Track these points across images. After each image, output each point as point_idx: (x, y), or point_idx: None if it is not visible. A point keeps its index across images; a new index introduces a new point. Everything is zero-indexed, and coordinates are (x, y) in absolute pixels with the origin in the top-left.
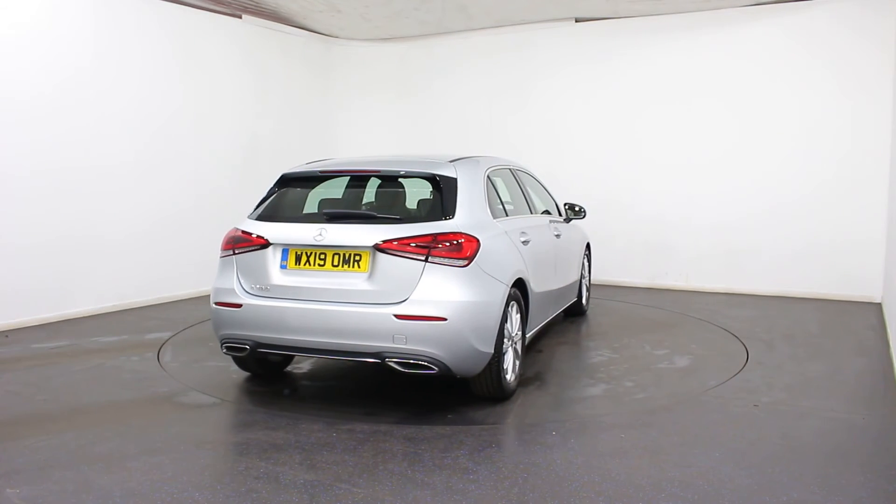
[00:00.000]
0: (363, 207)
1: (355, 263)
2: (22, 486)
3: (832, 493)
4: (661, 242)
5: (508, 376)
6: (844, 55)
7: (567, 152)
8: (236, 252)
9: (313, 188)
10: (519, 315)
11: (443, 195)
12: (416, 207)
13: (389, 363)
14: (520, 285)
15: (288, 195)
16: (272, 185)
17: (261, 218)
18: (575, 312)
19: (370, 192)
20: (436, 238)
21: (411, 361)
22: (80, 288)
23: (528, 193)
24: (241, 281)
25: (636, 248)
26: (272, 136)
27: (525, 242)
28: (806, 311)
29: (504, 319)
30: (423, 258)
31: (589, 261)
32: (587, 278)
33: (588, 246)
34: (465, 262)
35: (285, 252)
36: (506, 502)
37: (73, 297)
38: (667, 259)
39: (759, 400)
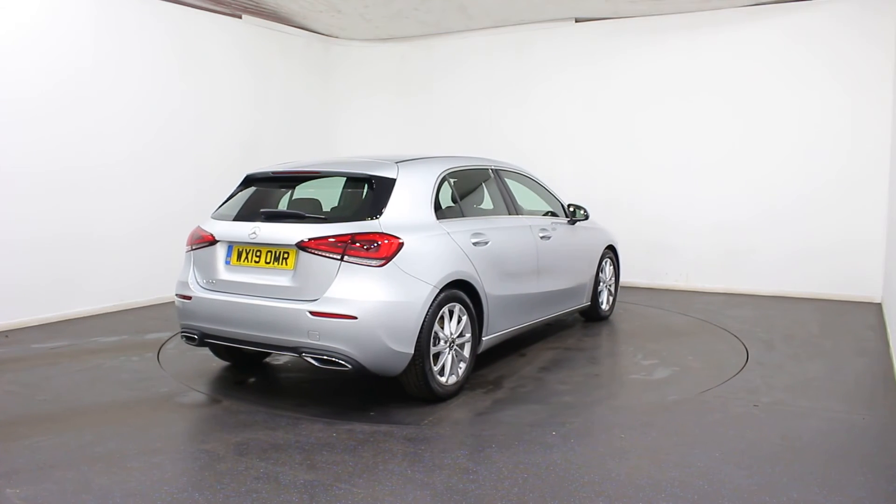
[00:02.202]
0: (300, 207)
1: (283, 261)
2: (22, 486)
3: (832, 493)
4: (661, 242)
5: (443, 378)
6: (844, 55)
7: (567, 152)
8: (193, 248)
9: (269, 188)
10: (467, 317)
11: (375, 195)
12: (346, 207)
13: (306, 358)
14: (465, 287)
15: (246, 195)
16: (237, 185)
17: (218, 217)
18: (592, 317)
19: (313, 192)
20: (353, 238)
21: (325, 357)
22: (79, 288)
23: (510, 195)
24: (196, 275)
25: (636, 248)
26: (272, 135)
27: (478, 244)
28: (806, 311)
29: (432, 320)
30: (339, 257)
31: (615, 264)
32: (608, 282)
33: (612, 248)
34: (381, 261)
35: (230, 249)
36: (506, 502)
37: (73, 297)
38: (667, 259)
39: (759, 400)
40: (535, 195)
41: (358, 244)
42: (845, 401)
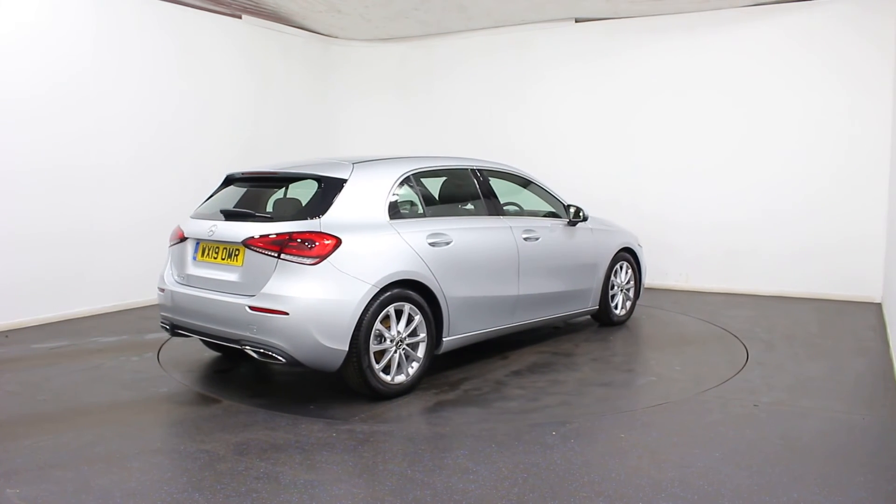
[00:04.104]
0: (258, 206)
1: (235, 257)
2: (22, 486)
3: (832, 493)
4: (661, 242)
5: (388, 377)
6: (844, 55)
7: (567, 152)
8: (172, 244)
9: (243, 188)
10: (420, 317)
11: (322, 195)
12: (295, 206)
13: (247, 350)
14: (419, 287)
15: (223, 194)
16: (218, 185)
17: (195, 215)
18: (604, 321)
19: (271, 192)
20: (291, 236)
21: (262, 351)
22: (79, 288)
23: (491, 195)
24: (172, 270)
25: None
26: (272, 135)
27: (436, 244)
28: (806, 311)
29: (373, 319)
30: (276, 255)
31: (634, 268)
32: (623, 285)
33: (630, 251)
34: (315, 260)
35: (196, 245)
36: (506, 502)
37: (73, 297)
38: (667, 259)
39: (759, 400)
40: (533, 196)
41: (294, 243)
42: (845, 401)
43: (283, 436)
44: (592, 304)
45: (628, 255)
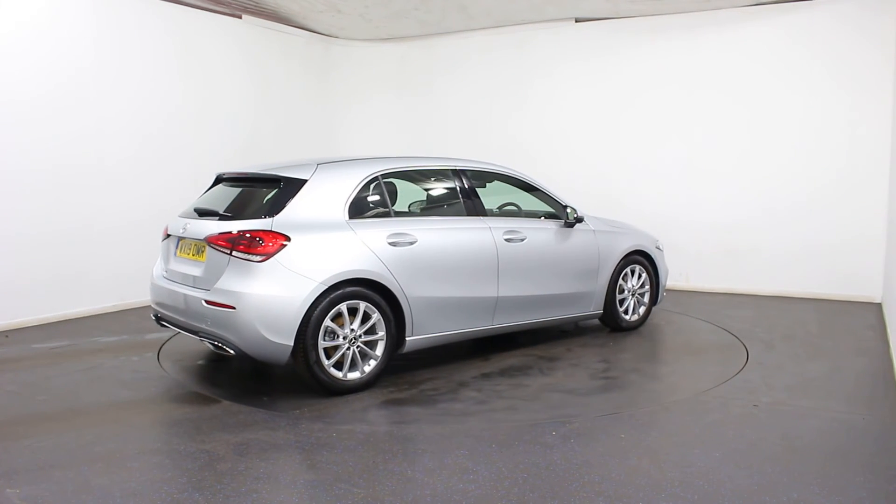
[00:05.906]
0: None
1: (201, 253)
2: (22, 486)
3: (832, 493)
4: (661, 242)
5: (339, 373)
6: (844, 55)
7: (567, 152)
8: (162, 240)
9: (228, 188)
10: (378, 316)
11: (280, 195)
12: (254, 206)
13: (204, 341)
14: (377, 287)
15: (210, 193)
16: (210, 184)
17: (181, 213)
18: (613, 326)
19: (243, 192)
20: (241, 234)
21: (216, 343)
22: (79, 288)
23: (473, 196)
24: (161, 264)
25: None
26: (272, 136)
27: (397, 244)
28: (806, 311)
29: (322, 316)
30: (229, 252)
31: (650, 271)
32: (634, 290)
33: (644, 253)
34: (262, 257)
35: (177, 242)
36: (506, 502)
37: (73, 297)
38: (667, 259)
39: (759, 400)
40: (531, 197)
41: (244, 240)
42: (845, 401)
43: (283, 436)
44: (595, 309)
45: (641, 259)
